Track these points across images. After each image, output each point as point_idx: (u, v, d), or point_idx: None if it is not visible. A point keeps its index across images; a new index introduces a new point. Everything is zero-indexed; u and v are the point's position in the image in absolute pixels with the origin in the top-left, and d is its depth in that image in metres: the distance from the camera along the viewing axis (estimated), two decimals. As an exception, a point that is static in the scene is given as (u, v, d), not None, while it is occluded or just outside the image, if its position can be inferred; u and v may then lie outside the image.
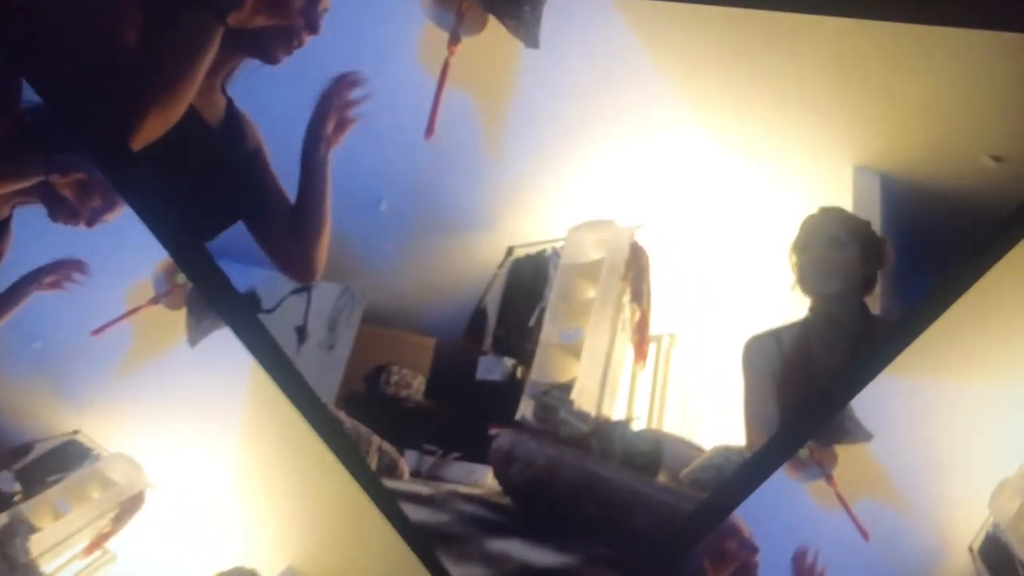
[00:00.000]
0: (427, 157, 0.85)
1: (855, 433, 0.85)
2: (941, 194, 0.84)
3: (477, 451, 0.87)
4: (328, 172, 0.80)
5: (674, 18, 0.83)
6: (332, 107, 0.81)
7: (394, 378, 0.87)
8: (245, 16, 0.80)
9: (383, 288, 0.86)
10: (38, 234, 0.87)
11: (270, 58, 0.82)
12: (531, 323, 0.87)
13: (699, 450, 0.86)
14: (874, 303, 0.85)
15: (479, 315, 0.87)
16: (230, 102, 0.83)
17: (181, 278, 0.86)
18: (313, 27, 0.83)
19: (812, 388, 0.84)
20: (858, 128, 0.84)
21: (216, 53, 0.81)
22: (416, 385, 0.87)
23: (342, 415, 0.86)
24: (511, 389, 0.87)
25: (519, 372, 0.87)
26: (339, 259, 0.86)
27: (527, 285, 0.87)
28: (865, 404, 0.85)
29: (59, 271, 0.86)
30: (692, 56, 0.84)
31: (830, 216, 0.83)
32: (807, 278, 0.84)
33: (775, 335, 0.86)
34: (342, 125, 0.81)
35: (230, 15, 0.79)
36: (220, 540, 0.88)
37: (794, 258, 0.84)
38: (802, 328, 0.85)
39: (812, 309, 0.84)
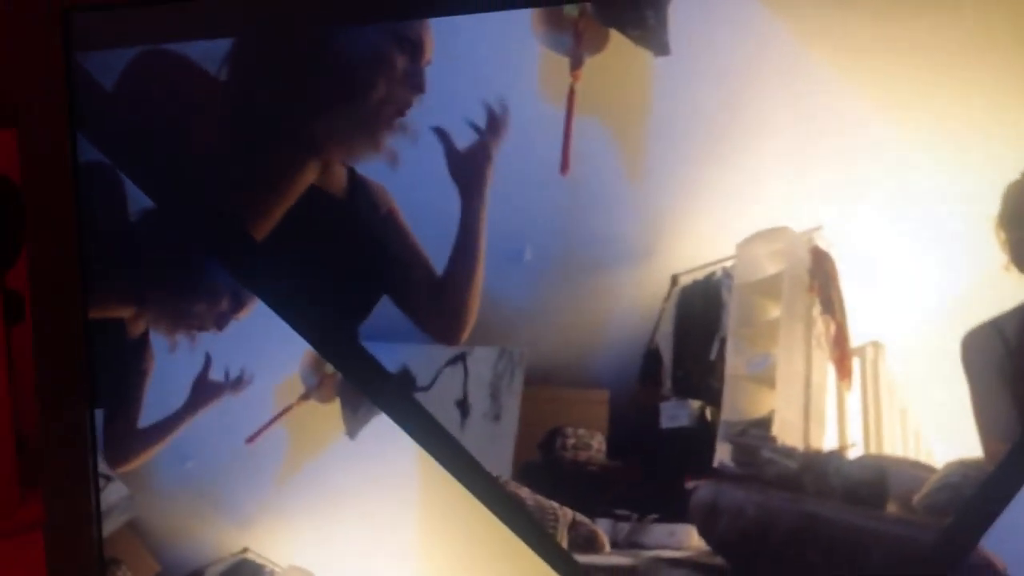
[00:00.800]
0: (566, 195, 0.78)
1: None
2: None
3: (676, 509, 0.79)
4: (484, 216, 0.76)
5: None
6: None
7: (571, 441, 0.80)
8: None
9: (542, 344, 0.79)
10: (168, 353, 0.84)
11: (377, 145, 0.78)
12: (712, 356, 0.79)
13: (930, 470, 0.75)
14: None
15: (652, 357, 0.79)
16: (351, 171, 0.78)
17: (329, 368, 0.82)
18: (419, 87, 0.79)
19: None
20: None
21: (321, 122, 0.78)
22: (596, 445, 0.80)
23: (523, 490, 0.79)
24: (702, 434, 0.78)
25: (708, 414, 0.79)
26: (490, 320, 0.80)
27: (700, 315, 0.79)
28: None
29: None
30: (850, 32, 0.75)
31: None
32: (1021, 255, 0.73)
33: (995, 325, 0.74)
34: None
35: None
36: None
37: (1003, 234, 0.73)
38: (1014, 316, 0.74)
39: None
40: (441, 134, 0.78)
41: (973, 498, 0.75)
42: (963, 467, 0.77)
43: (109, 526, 0.85)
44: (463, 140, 0.78)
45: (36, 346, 0.84)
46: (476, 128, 0.77)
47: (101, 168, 0.84)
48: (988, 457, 0.76)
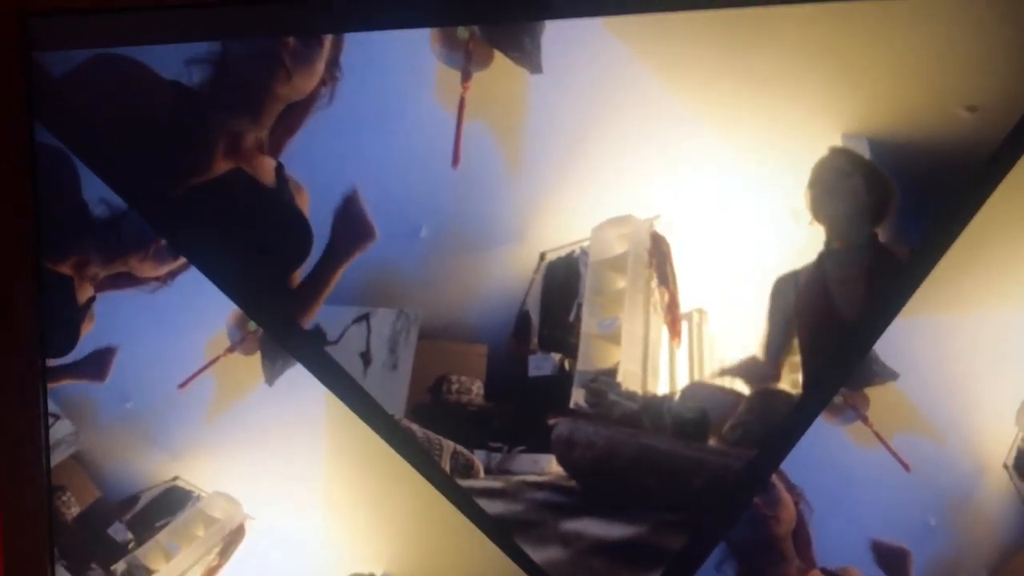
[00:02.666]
0: (456, 184, 0.93)
1: (882, 374, 0.92)
2: (926, 146, 0.91)
3: (539, 442, 0.93)
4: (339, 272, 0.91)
5: (659, 27, 0.91)
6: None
7: (454, 386, 0.94)
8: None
9: (434, 307, 0.94)
10: (118, 302, 0.96)
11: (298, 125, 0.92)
12: (571, 318, 0.94)
13: (740, 395, 0.93)
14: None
15: (523, 318, 0.94)
16: (280, 166, 0.92)
17: (252, 325, 0.95)
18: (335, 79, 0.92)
19: (827, 318, 0.90)
20: (842, 99, 0.91)
21: (248, 115, 0.92)
22: (475, 390, 0.94)
23: (414, 426, 0.94)
24: (562, 381, 0.94)
25: (567, 364, 0.94)
26: (391, 286, 0.94)
27: (562, 285, 0.94)
28: (887, 346, 0.92)
29: None
30: (680, 58, 0.92)
31: (834, 152, 0.90)
32: (819, 208, 0.90)
33: (794, 274, 0.92)
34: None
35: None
36: (317, 557, 0.95)
37: (808, 194, 0.91)
38: (817, 261, 0.92)
39: (826, 241, 0.91)
40: (352, 196, 0.92)
41: (773, 435, 0.93)
42: (748, 403, 0.94)
43: (56, 457, 0.96)
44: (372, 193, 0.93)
45: None
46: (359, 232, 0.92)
47: (55, 151, 0.95)
48: (772, 378, 0.93)
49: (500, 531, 0.93)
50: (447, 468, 0.93)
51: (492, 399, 0.94)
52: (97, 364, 0.95)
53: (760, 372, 0.92)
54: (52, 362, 0.95)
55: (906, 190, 0.91)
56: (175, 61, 0.92)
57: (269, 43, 0.91)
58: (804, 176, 0.91)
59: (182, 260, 0.94)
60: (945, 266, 0.91)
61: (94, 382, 0.95)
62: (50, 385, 0.95)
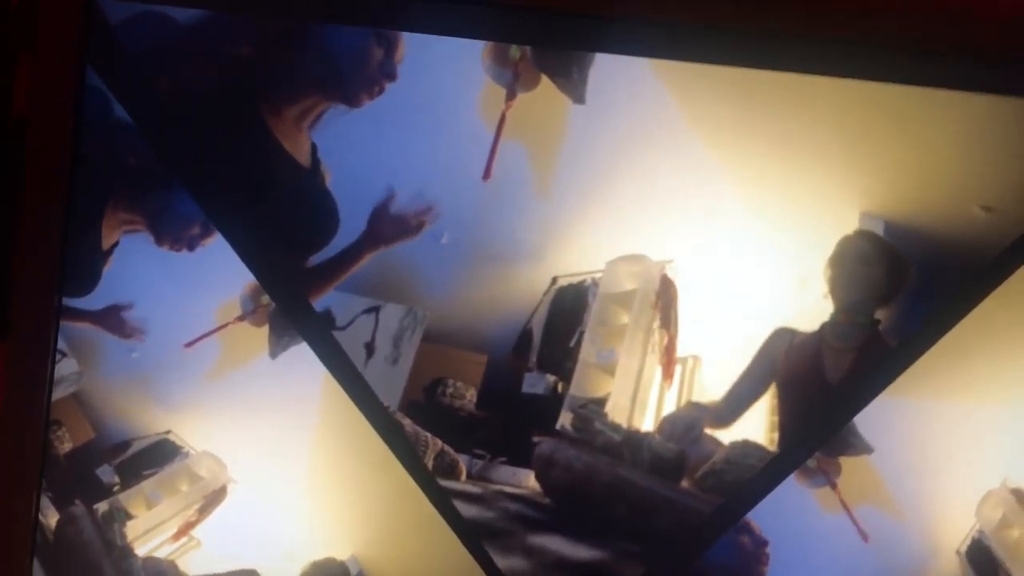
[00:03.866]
0: (484, 197, 0.96)
1: (857, 446, 0.96)
2: (938, 237, 0.95)
3: (521, 456, 0.96)
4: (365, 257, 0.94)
5: (703, 78, 0.94)
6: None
7: (450, 390, 0.98)
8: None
9: (442, 310, 0.97)
10: (142, 257, 0.99)
11: (354, 102, 0.94)
12: (572, 344, 0.97)
13: (719, 443, 0.96)
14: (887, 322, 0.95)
15: (526, 336, 0.97)
16: (314, 147, 0.95)
17: (266, 299, 0.98)
18: (391, 76, 0.95)
19: (816, 380, 0.94)
20: (865, 178, 0.94)
21: (304, 99, 0.94)
22: (469, 396, 0.98)
23: (405, 421, 0.97)
24: (552, 402, 0.97)
25: (560, 387, 0.97)
26: (404, 284, 0.97)
27: (569, 310, 0.97)
28: (867, 421, 0.95)
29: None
30: (717, 111, 0.94)
31: (863, 236, 0.94)
32: (837, 288, 0.94)
33: (791, 330, 0.95)
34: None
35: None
36: (292, 530, 0.99)
37: (829, 271, 0.94)
38: (819, 328, 0.95)
39: (833, 318, 0.94)
40: (389, 194, 0.94)
41: (743, 487, 0.97)
42: (725, 452, 0.97)
43: (57, 393, 0.99)
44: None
45: (25, 232, 0.97)
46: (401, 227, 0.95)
47: (100, 94, 0.98)
48: (724, 412, 0.96)
49: (470, 534, 0.97)
50: (430, 465, 0.97)
51: (483, 408, 0.97)
52: (117, 320, 0.98)
53: (716, 415, 0.96)
54: (71, 303, 0.98)
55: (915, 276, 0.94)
56: (231, 34, 0.94)
57: (349, 39, 0.93)
58: (816, 245, 0.94)
59: (205, 229, 0.96)
60: (935, 355, 0.94)
61: (116, 336, 0.98)
62: (67, 323, 0.98)
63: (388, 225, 0.94)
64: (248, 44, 0.93)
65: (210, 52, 0.93)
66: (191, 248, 0.96)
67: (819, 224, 0.94)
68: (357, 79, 0.94)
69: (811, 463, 0.96)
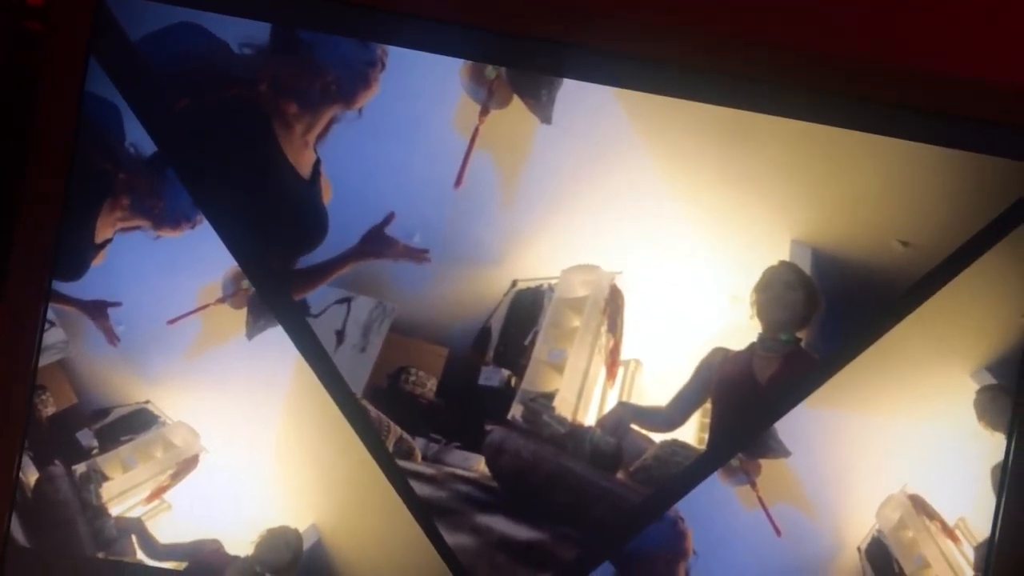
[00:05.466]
0: (454, 203, 1.04)
1: (777, 450, 1.06)
2: (860, 266, 1.05)
3: (473, 442, 1.04)
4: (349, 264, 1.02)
5: (660, 109, 1.03)
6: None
7: (412, 378, 1.06)
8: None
9: (410, 305, 1.05)
10: (134, 251, 1.05)
11: (351, 102, 1.01)
12: (526, 342, 1.06)
13: (651, 441, 1.06)
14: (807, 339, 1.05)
15: (485, 333, 1.05)
16: (317, 162, 1.02)
17: (246, 284, 1.05)
18: (369, 85, 1.03)
19: (742, 390, 1.04)
20: (798, 210, 1.04)
21: (307, 113, 1.02)
22: (429, 385, 1.06)
23: (368, 405, 1.06)
24: (505, 394, 1.04)
25: (513, 381, 1.05)
26: (376, 278, 1.05)
27: (526, 311, 1.05)
28: (786, 427, 1.06)
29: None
30: (671, 140, 1.04)
31: (787, 267, 1.04)
32: (763, 312, 1.04)
33: (724, 349, 1.06)
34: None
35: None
36: (257, 498, 1.06)
37: (755, 296, 1.04)
38: (749, 346, 1.06)
39: (760, 336, 1.05)
40: (387, 217, 1.02)
41: (671, 482, 1.06)
42: (656, 449, 1.07)
43: (44, 360, 1.05)
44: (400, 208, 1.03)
45: (25, 209, 1.03)
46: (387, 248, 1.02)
47: (104, 99, 1.04)
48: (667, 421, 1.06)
49: (422, 511, 1.05)
50: (390, 447, 1.05)
51: (442, 396, 1.05)
52: (102, 315, 1.04)
53: (666, 419, 1.05)
54: (61, 287, 1.04)
55: (834, 301, 1.05)
56: (246, 39, 1.02)
57: (348, 53, 1.00)
58: (749, 268, 1.04)
59: (193, 218, 1.03)
60: (851, 371, 1.05)
61: (95, 320, 1.04)
62: (54, 304, 1.04)
63: (379, 245, 1.01)
64: (259, 58, 1.01)
65: (224, 64, 1.01)
66: (176, 230, 1.03)
67: (754, 249, 1.04)
68: (352, 79, 1.02)
69: (735, 463, 1.06)
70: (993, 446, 1.05)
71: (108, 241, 1.04)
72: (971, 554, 1.06)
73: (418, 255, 1.01)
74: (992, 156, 1.04)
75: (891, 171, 1.04)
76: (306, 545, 1.05)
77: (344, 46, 1.02)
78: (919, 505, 1.06)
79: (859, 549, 1.06)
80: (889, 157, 1.04)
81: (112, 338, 1.03)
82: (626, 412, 1.06)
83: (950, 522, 1.06)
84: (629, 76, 1.03)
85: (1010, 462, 1.05)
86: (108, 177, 1.03)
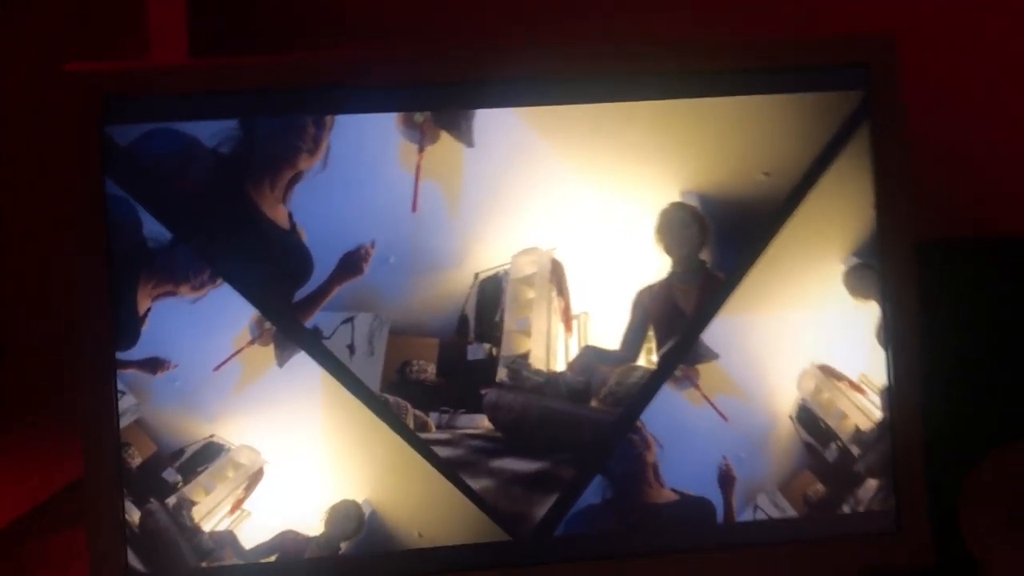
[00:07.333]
0: (414, 224, 1.25)
1: (707, 355, 1.33)
2: (737, 200, 1.33)
3: (475, 406, 1.23)
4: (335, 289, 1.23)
5: (554, 114, 1.30)
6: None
7: (415, 368, 1.27)
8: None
9: (399, 312, 1.24)
10: (171, 315, 1.30)
11: (304, 164, 1.27)
12: (497, 319, 1.26)
13: (611, 370, 1.31)
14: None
15: (463, 320, 1.23)
16: (291, 214, 1.28)
17: (267, 324, 1.31)
18: (318, 153, 1.28)
19: (673, 314, 1.27)
20: (683, 167, 1.31)
21: (274, 178, 1.27)
22: (430, 370, 1.23)
23: (387, 396, 1.31)
24: (491, 363, 1.23)
25: (493, 352, 1.23)
26: (369, 298, 1.30)
27: (491, 295, 1.22)
28: (711, 335, 1.33)
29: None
30: (571, 136, 1.31)
31: (677, 206, 1.29)
32: (669, 250, 1.30)
33: (649, 287, 1.28)
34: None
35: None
36: (316, 489, 1.31)
37: (658, 236, 1.31)
38: (667, 277, 1.31)
39: (672, 270, 1.31)
40: (358, 246, 1.23)
41: (632, 399, 1.33)
42: (616, 376, 1.33)
43: (123, 423, 1.23)
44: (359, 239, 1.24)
45: (81, 306, 1.27)
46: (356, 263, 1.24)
47: (122, 200, 1.28)
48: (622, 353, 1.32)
49: (447, 468, 1.26)
50: (411, 425, 1.31)
51: (442, 376, 1.24)
52: (154, 365, 1.29)
53: (622, 358, 1.33)
54: (121, 355, 1.29)
55: (724, 228, 1.32)
56: (216, 135, 1.27)
57: (297, 126, 1.26)
58: (652, 219, 1.32)
59: (214, 281, 1.28)
60: (750, 281, 1.33)
61: (154, 374, 1.29)
62: (119, 371, 1.29)
63: (352, 265, 1.27)
64: (229, 143, 1.27)
65: (203, 154, 1.26)
66: (200, 292, 1.27)
67: (654, 204, 1.32)
68: (301, 147, 1.27)
69: (678, 373, 1.33)
70: (871, 312, 1.34)
71: (148, 310, 1.28)
72: (877, 400, 1.34)
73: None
74: (818, 92, 1.32)
75: (745, 123, 1.32)
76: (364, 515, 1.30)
77: (297, 120, 1.28)
78: (828, 372, 1.33)
79: (791, 417, 1.33)
80: (742, 112, 1.32)
81: (167, 368, 1.27)
82: (591, 353, 1.32)
83: (855, 379, 1.34)
84: (525, 95, 1.30)
85: (889, 321, 1.34)
86: (138, 257, 1.27)
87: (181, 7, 1.66)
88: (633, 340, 1.29)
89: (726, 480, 1.31)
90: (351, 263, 1.27)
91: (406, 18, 1.67)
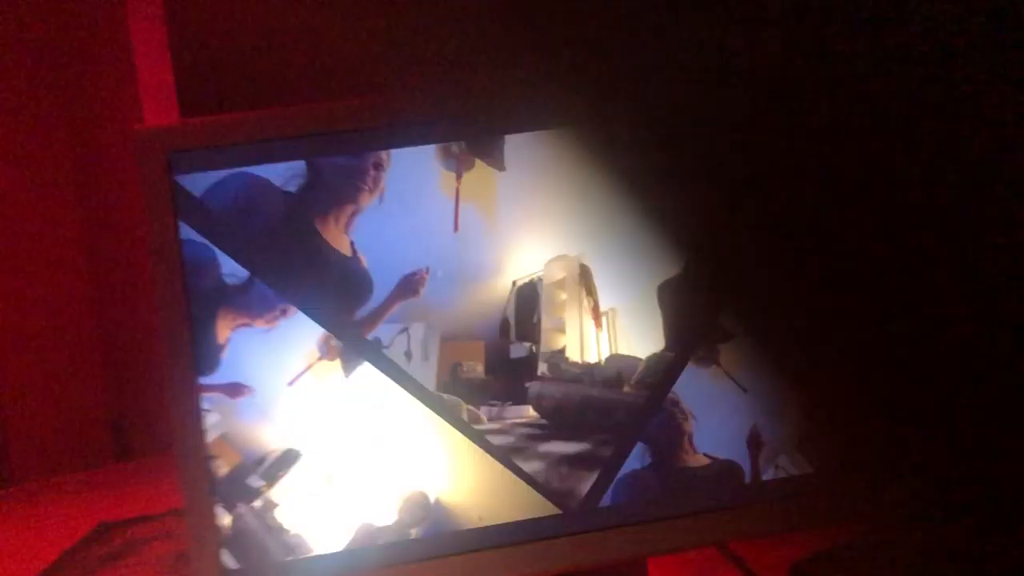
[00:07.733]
0: (457, 242, 1.44)
1: (725, 336, 1.52)
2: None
3: (521, 398, 1.36)
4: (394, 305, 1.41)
5: (577, 134, 1.49)
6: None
7: (465, 368, 1.46)
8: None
9: (448, 320, 1.40)
10: (248, 342, 1.46)
11: (364, 200, 1.44)
12: (535, 320, 1.46)
13: (639, 359, 1.50)
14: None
15: (505, 323, 1.38)
16: (353, 242, 1.45)
17: (333, 342, 1.47)
18: (380, 189, 1.45)
19: (690, 304, 1.50)
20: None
21: (339, 212, 1.44)
22: (479, 369, 1.43)
23: (443, 395, 1.48)
24: (532, 359, 1.36)
25: (534, 349, 1.37)
26: (421, 309, 1.46)
27: (528, 299, 1.41)
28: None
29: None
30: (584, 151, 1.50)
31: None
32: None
33: (668, 280, 1.50)
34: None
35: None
36: (388, 483, 1.48)
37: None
38: (682, 271, 1.51)
39: (687, 260, 1.50)
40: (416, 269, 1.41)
41: (660, 380, 1.51)
42: (644, 364, 1.51)
43: (209, 437, 1.43)
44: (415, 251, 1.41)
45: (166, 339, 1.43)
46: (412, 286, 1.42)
47: (199, 244, 1.44)
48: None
49: (502, 454, 1.44)
50: (465, 419, 1.48)
51: (490, 374, 1.41)
52: (234, 390, 1.45)
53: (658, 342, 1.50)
54: (205, 380, 1.45)
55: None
56: (283, 176, 1.44)
57: (360, 169, 1.43)
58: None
59: (285, 313, 1.45)
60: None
61: (233, 399, 1.45)
62: (205, 394, 1.45)
63: (410, 287, 1.44)
64: (295, 182, 1.44)
65: (272, 193, 1.43)
66: (274, 323, 1.44)
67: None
68: (362, 185, 1.45)
69: (700, 353, 1.51)
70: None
71: (227, 339, 1.45)
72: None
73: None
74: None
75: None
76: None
77: (361, 163, 1.45)
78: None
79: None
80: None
81: (246, 392, 1.43)
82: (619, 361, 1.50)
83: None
84: (547, 120, 1.48)
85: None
86: (218, 294, 1.44)
87: (168, 71, 1.84)
88: (658, 329, 1.46)
89: (754, 444, 1.49)
90: (409, 285, 1.44)
91: (391, 74, 1.83)
